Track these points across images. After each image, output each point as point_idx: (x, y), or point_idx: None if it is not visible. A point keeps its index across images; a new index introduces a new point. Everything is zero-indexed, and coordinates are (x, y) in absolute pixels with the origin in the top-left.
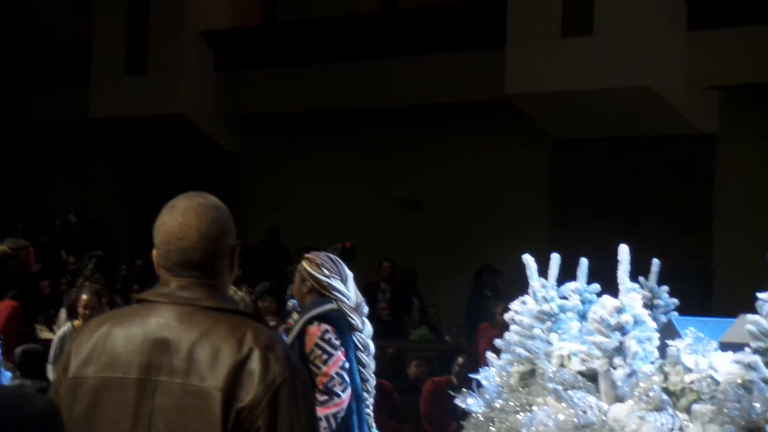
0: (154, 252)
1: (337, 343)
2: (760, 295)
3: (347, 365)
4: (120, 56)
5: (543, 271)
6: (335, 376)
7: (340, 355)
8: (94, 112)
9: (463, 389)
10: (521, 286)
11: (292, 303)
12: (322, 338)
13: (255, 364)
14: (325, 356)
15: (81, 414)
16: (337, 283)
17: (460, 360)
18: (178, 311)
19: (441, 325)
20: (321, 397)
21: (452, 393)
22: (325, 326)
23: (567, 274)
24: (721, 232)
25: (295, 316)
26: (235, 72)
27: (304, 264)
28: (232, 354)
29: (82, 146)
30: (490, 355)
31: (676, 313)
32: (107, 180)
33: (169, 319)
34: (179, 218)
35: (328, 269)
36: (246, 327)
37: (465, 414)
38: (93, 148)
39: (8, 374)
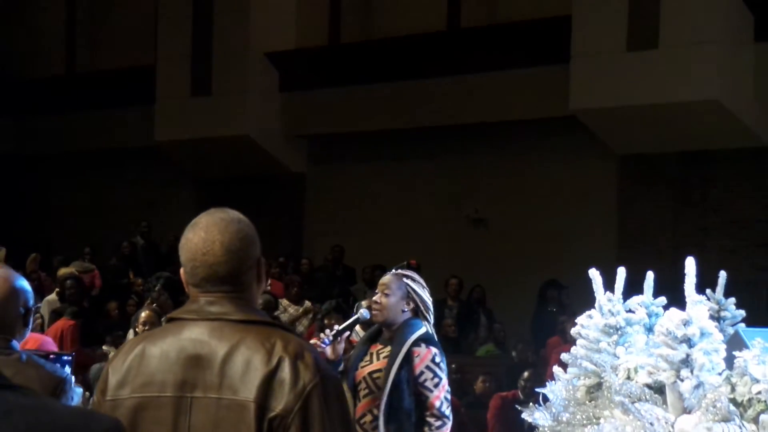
0: (182, 270)
1: (444, 367)
2: None
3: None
4: (185, 79)
5: (609, 286)
6: (444, 400)
7: (446, 379)
8: (159, 135)
9: (530, 403)
10: (586, 302)
11: (363, 312)
12: (432, 361)
13: (285, 372)
14: (436, 380)
15: None
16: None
17: (526, 375)
18: (208, 327)
19: (507, 341)
20: (435, 422)
21: (519, 407)
22: (434, 350)
23: (633, 289)
24: None
25: (358, 329)
26: (300, 92)
27: (408, 282)
28: (262, 365)
29: (150, 168)
30: (557, 369)
31: (743, 325)
32: (174, 202)
33: (201, 335)
34: (202, 234)
35: (428, 292)
36: (275, 337)
37: (532, 428)
38: (161, 170)
39: (80, 390)
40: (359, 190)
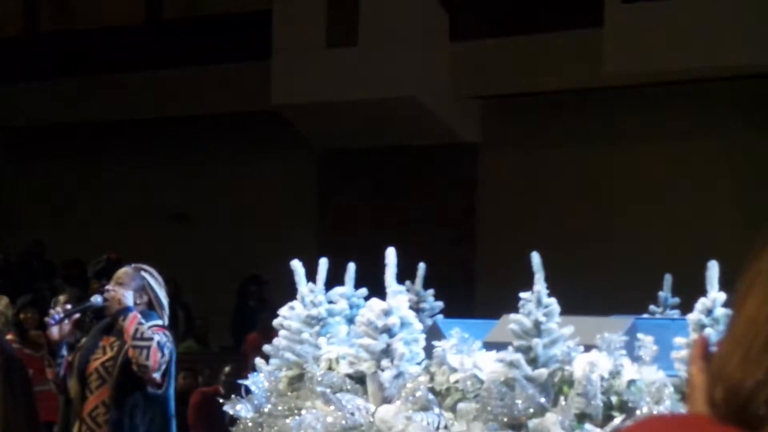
0: None
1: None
2: (522, 294)
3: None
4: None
5: (311, 278)
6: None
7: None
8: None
9: (232, 396)
10: (287, 297)
11: (96, 299)
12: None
13: None
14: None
15: None
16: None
17: (227, 369)
18: None
19: (209, 337)
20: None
21: (221, 400)
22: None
23: (335, 281)
24: (483, 239)
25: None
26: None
27: (145, 276)
28: None
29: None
30: (259, 361)
31: (441, 316)
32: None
33: None
34: None
35: (165, 291)
36: None
37: (233, 422)
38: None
39: None
40: (54, 186)
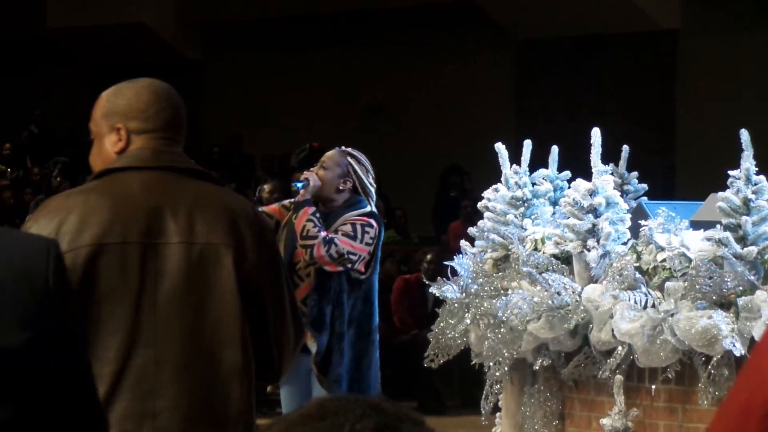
0: (121, 124)
1: (372, 243)
2: (731, 172)
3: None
4: None
5: (513, 162)
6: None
7: (365, 248)
8: (52, 22)
9: (438, 278)
10: (486, 188)
11: (296, 184)
12: (362, 226)
13: (254, 224)
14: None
15: (78, 282)
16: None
17: (429, 257)
18: (162, 176)
19: (409, 228)
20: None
21: (427, 282)
22: (374, 222)
23: (533, 168)
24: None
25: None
26: None
27: (350, 161)
28: (230, 213)
29: (42, 57)
30: (464, 244)
31: (645, 199)
32: (69, 90)
33: (158, 185)
34: (156, 83)
35: (372, 177)
36: (227, 191)
37: (436, 306)
38: (54, 58)
39: None
40: (257, 79)
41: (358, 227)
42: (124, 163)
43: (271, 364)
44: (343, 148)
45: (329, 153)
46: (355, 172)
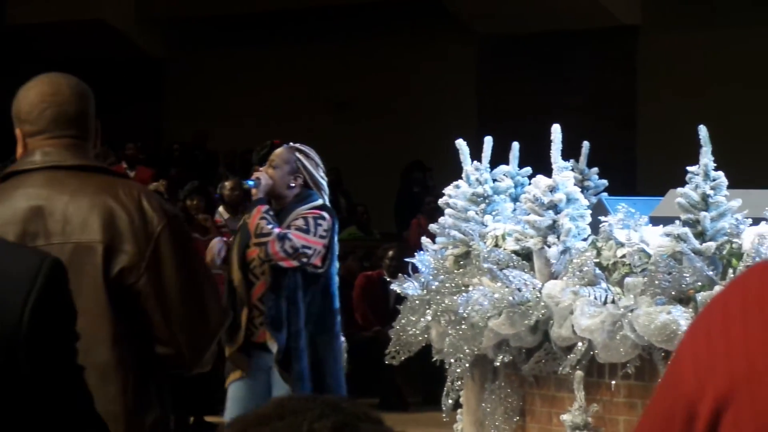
0: (18, 129)
1: (326, 235)
2: (689, 168)
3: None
4: None
5: (474, 159)
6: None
7: (319, 241)
8: (11, 18)
9: (399, 275)
10: (450, 184)
11: (247, 182)
12: (315, 219)
13: (133, 215)
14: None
15: None
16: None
17: (391, 253)
18: (45, 176)
19: (371, 224)
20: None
21: (388, 279)
22: (326, 215)
23: (495, 164)
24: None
25: (221, 210)
26: None
27: (299, 156)
28: (106, 208)
29: (1, 52)
30: (425, 240)
31: (606, 194)
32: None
33: (39, 187)
34: (46, 81)
35: (323, 171)
36: (116, 183)
37: (398, 302)
38: (14, 53)
39: None
40: (220, 75)
41: (311, 220)
42: (12, 168)
43: (177, 356)
44: (291, 144)
45: (277, 151)
46: (304, 167)
